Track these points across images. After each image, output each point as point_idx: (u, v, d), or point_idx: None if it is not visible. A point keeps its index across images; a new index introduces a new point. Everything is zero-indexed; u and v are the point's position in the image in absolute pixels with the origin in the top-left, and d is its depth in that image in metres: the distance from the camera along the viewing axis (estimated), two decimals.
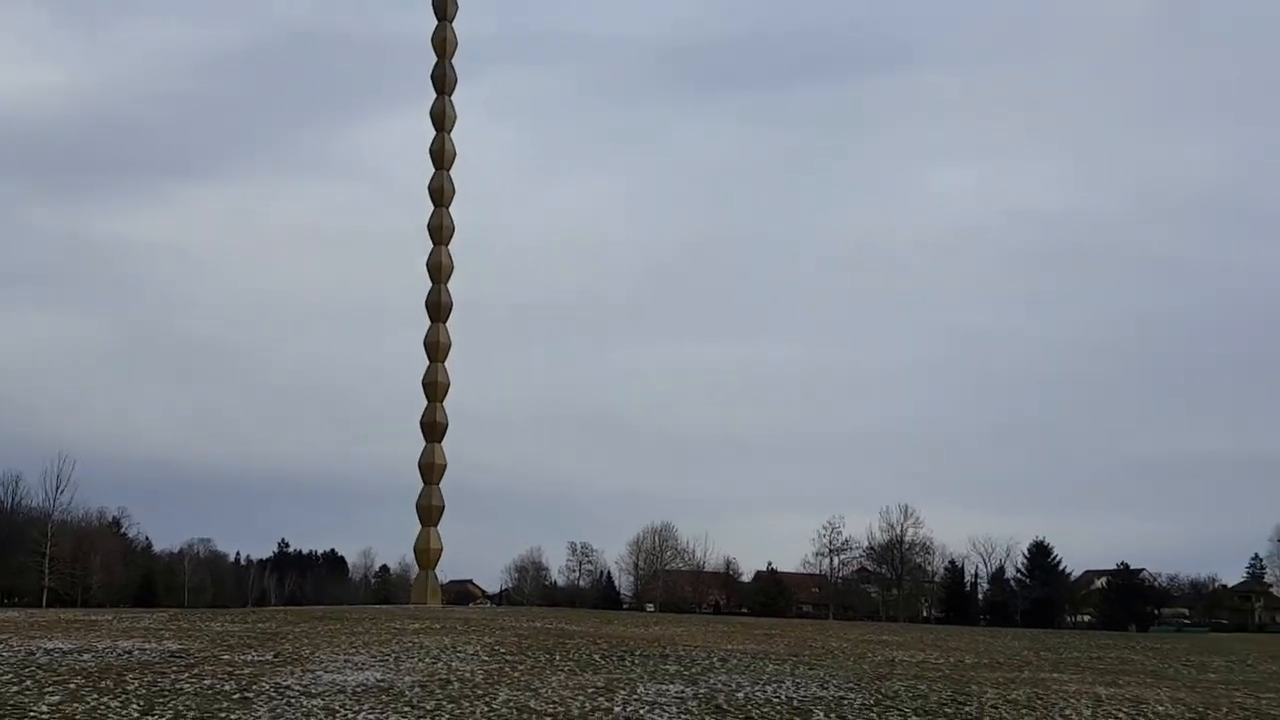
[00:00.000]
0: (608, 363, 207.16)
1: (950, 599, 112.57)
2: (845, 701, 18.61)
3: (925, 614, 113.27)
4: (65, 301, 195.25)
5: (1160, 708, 19.25)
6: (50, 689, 17.43)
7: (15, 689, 17.35)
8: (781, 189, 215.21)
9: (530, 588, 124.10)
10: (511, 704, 17.22)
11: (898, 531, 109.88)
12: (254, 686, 18.49)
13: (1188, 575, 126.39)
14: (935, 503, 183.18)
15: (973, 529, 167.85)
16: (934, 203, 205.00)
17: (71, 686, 17.77)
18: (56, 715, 15.03)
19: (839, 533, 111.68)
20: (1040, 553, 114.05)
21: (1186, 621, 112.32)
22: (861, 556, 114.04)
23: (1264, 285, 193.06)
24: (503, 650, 25.96)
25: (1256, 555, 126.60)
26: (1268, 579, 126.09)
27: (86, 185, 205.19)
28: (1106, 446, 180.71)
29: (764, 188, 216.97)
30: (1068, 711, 18.42)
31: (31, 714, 15.10)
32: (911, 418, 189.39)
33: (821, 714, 17.12)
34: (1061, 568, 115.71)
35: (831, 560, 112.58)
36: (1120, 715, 18.21)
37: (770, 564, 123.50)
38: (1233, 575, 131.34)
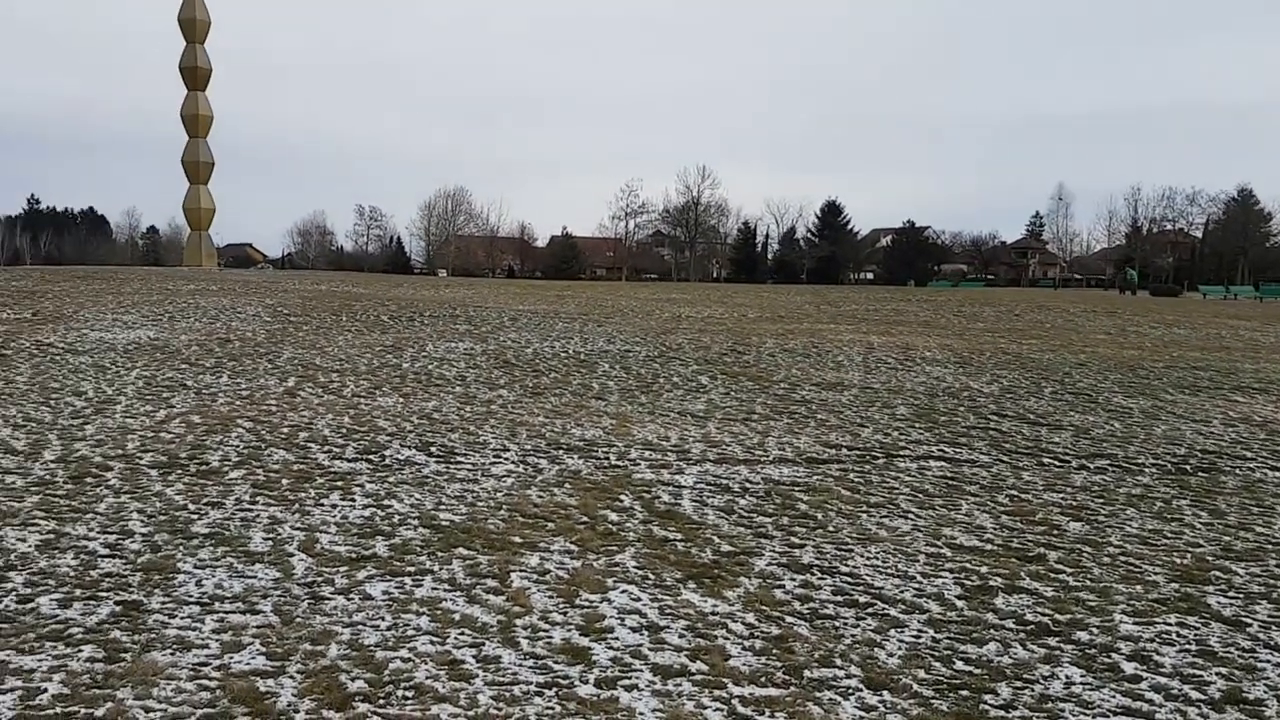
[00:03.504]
0: (396, 9, 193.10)
1: (741, 260, 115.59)
2: (630, 354, 19.19)
3: (716, 275, 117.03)
4: None
5: (928, 353, 20.78)
6: None
7: None
8: None
9: (315, 252, 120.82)
10: (295, 361, 16.78)
11: (694, 194, 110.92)
12: (12, 344, 17.23)
13: (970, 233, 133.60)
14: (733, 165, 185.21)
15: (769, 191, 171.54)
16: None
17: None
18: None
19: (636, 195, 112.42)
20: (831, 212, 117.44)
21: (965, 277, 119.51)
22: (657, 220, 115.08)
23: None
24: (285, 312, 25.22)
25: (1037, 213, 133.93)
26: (1045, 236, 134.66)
27: None
28: (902, 107, 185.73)
29: None
30: (839, 358, 19.63)
31: None
32: (711, 75, 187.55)
33: (606, 366, 17.56)
34: (850, 227, 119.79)
35: (627, 224, 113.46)
36: (889, 360, 19.52)
37: (565, 228, 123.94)
38: (1013, 233, 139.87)
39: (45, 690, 5.07)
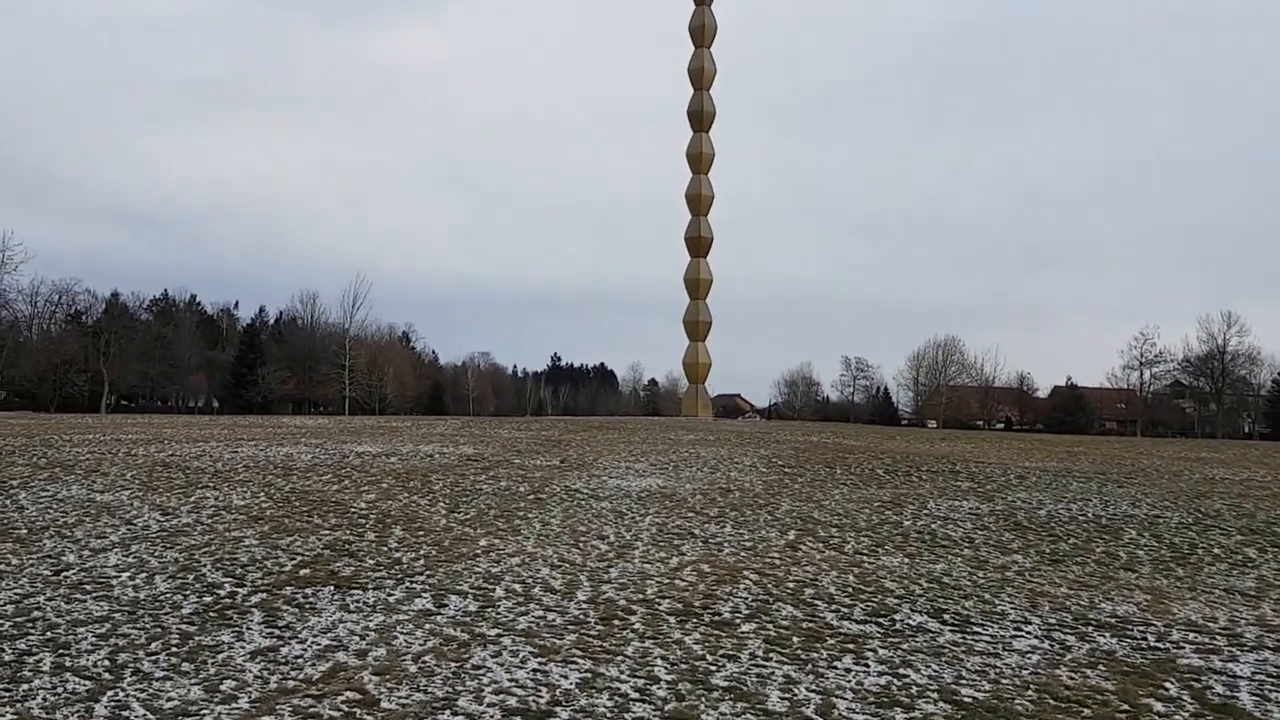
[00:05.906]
0: (880, 160, 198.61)
1: (1277, 414, 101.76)
2: (1160, 520, 17.11)
3: (1247, 430, 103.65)
4: (346, 125, 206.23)
5: None
6: (366, 488, 18.79)
7: (335, 488, 18.82)
8: None
9: (801, 402, 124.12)
10: (794, 514, 16.95)
11: (1219, 341, 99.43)
12: (546, 489, 19.21)
13: None
14: (1262, 307, 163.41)
15: None
16: None
17: (384, 486, 19.09)
18: (374, 511, 16.10)
19: (1152, 344, 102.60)
20: None
21: None
22: (1176, 369, 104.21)
23: None
24: (780, 462, 25.85)
25: None
26: None
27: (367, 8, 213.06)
28: None
29: None
30: None
31: (352, 510, 16.24)
32: (1234, 211, 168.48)
33: (1134, 532, 15.79)
34: None
35: (1141, 374, 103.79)
36: None
37: (1069, 379, 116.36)
38: None
39: None
